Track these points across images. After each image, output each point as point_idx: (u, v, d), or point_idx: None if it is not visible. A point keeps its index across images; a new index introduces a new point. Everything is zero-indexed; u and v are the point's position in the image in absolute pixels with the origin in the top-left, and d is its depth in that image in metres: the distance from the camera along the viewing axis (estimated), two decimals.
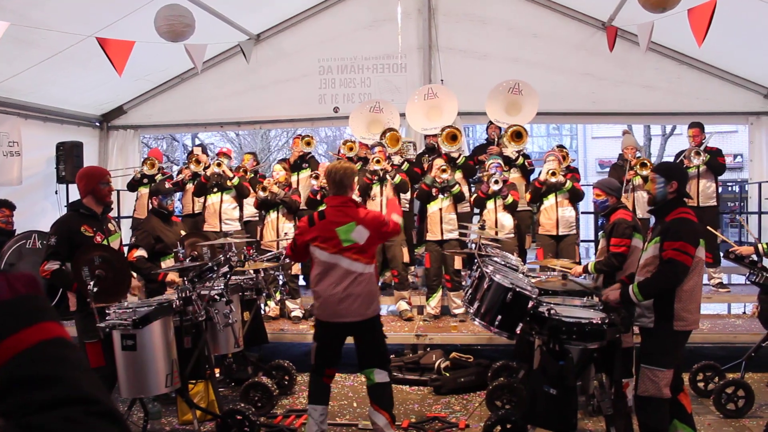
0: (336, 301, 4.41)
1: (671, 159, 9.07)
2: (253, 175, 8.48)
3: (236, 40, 9.06)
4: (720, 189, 8.28)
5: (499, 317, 4.40)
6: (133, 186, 8.98)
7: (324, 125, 12.86)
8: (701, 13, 5.79)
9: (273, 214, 7.65)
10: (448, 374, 6.36)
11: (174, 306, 4.64)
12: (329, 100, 9.73)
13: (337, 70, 9.68)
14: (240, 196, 8.07)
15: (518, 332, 4.49)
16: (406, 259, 7.60)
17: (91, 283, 4.29)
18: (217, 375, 5.84)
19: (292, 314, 7.59)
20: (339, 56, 9.64)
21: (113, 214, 6.93)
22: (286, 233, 7.47)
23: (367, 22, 9.53)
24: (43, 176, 9.09)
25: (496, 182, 7.18)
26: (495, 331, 4.48)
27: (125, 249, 6.13)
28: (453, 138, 7.62)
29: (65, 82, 8.68)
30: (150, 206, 6.50)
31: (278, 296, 7.18)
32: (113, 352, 4.34)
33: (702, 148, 7.72)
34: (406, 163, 7.93)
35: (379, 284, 6.39)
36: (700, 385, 5.94)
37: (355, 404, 5.93)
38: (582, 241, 7.85)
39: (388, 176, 7.44)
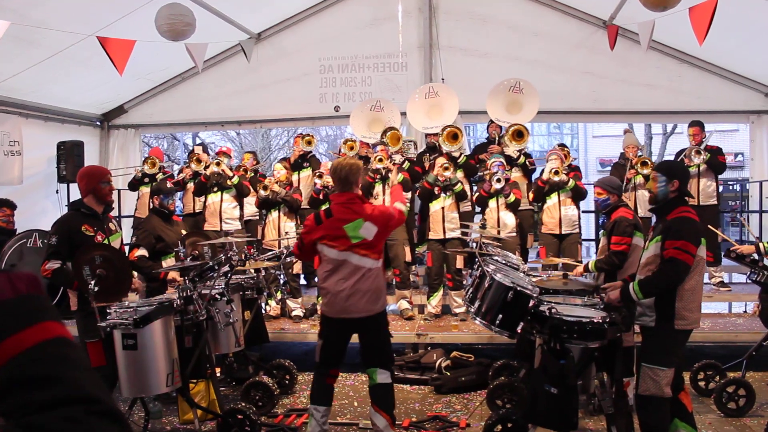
0: (344, 297, 4.40)
1: (672, 158, 9.06)
2: (253, 174, 8.48)
3: (237, 39, 9.05)
4: (721, 188, 8.28)
5: (500, 316, 4.40)
6: (134, 185, 8.98)
7: (325, 124, 12.85)
8: (702, 12, 5.78)
9: (274, 213, 7.65)
10: (448, 373, 6.36)
11: (175, 305, 4.64)
12: (330, 99, 9.72)
13: (337, 69, 9.68)
14: (240, 195, 8.07)
15: (519, 331, 4.49)
16: (408, 258, 7.60)
17: (92, 282, 4.29)
18: (218, 374, 5.84)
19: (293, 313, 7.59)
20: (340, 55, 9.63)
21: (114, 213, 6.93)
22: (287, 232, 7.47)
23: (367, 21, 9.52)
24: (44, 176, 9.09)
25: (499, 181, 7.17)
26: (496, 330, 4.48)
27: (126, 248, 6.13)
28: (454, 137, 7.61)
29: (66, 82, 8.68)
30: (151, 205, 6.50)
31: (279, 295, 7.18)
32: (114, 352, 4.34)
33: (702, 146, 7.71)
34: (407, 162, 7.92)
35: None
36: (701, 384, 5.94)
37: (355, 403, 5.93)
38: (583, 239, 7.83)
39: (390, 175, 7.44)
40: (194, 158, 8.32)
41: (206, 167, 8.03)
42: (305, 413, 5.58)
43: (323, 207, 7.02)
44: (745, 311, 8.18)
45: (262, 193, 7.61)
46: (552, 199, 7.34)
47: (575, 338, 4.05)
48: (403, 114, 8.62)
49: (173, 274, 5.71)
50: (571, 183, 7.26)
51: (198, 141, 22.92)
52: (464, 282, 7.18)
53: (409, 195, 8.03)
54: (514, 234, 7.28)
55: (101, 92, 9.57)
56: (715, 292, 7.81)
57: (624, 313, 4.16)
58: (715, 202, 7.92)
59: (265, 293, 6.25)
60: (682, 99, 9.08)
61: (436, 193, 7.27)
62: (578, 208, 7.49)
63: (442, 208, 7.26)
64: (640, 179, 7.79)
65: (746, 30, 7.79)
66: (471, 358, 6.52)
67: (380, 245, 4.57)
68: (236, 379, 6.34)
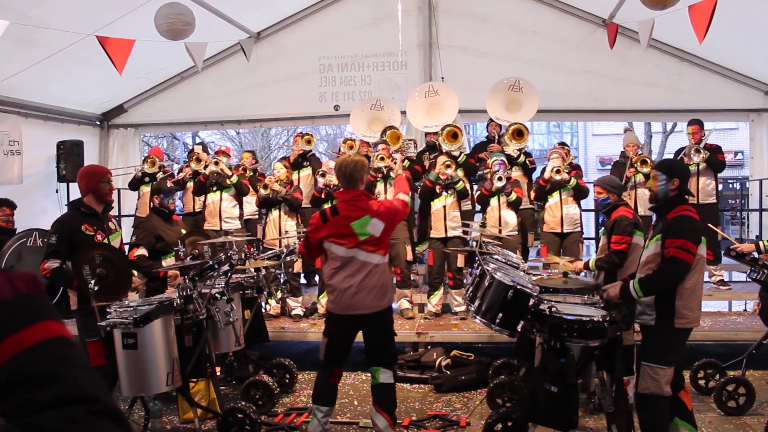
0: (351, 294, 4.39)
1: (671, 156, 9.06)
2: (252, 173, 8.47)
3: (236, 38, 9.05)
4: (721, 186, 8.28)
5: (500, 315, 4.40)
6: (134, 185, 8.98)
7: (324, 123, 12.83)
8: (702, 10, 5.78)
9: (275, 212, 7.65)
10: (449, 372, 6.36)
11: (175, 304, 4.64)
12: (330, 98, 9.72)
13: (337, 68, 9.67)
14: (239, 194, 8.08)
15: (519, 330, 4.49)
16: (410, 257, 7.59)
17: (92, 281, 4.29)
18: (218, 373, 5.84)
19: (293, 312, 7.59)
20: (339, 54, 9.62)
21: (114, 212, 6.93)
22: (287, 231, 7.47)
23: (367, 20, 9.51)
24: (43, 175, 9.09)
25: (500, 179, 7.16)
26: (496, 328, 4.48)
27: (126, 248, 6.13)
28: (454, 136, 7.61)
29: (65, 81, 8.67)
30: (151, 205, 6.50)
31: (279, 294, 7.18)
32: (114, 351, 4.34)
33: (702, 145, 7.71)
34: (406, 160, 7.92)
35: None
36: (701, 382, 5.94)
37: (356, 402, 5.93)
38: (584, 238, 7.83)
39: (392, 173, 7.43)
40: (194, 157, 8.32)
41: (205, 167, 8.03)
42: (305, 412, 5.59)
43: (325, 206, 7.04)
44: (745, 310, 8.18)
45: (263, 192, 7.61)
46: (553, 198, 7.34)
47: (575, 337, 4.05)
48: (403, 113, 8.62)
49: (174, 271, 5.71)
50: (573, 182, 7.25)
51: (198, 140, 22.91)
52: (465, 281, 7.18)
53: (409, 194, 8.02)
54: (516, 233, 7.28)
55: (101, 92, 9.57)
56: (715, 291, 7.82)
57: (624, 311, 4.16)
58: (715, 201, 7.91)
59: (265, 292, 6.25)
60: (681, 97, 9.07)
61: (438, 191, 7.26)
62: (580, 206, 7.49)
63: (444, 206, 7.25)
64: (640, 178, 7.79)
65: (746, 28, 7.79)
66: (471, 356, 6.52)
67: (387, 241, 4.57)
68: (236, 378, 6.34)
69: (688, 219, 4.04)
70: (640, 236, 5.04)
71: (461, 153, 7.82)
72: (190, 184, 8.46)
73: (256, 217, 8.61)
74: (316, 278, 8.58)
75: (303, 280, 8.55)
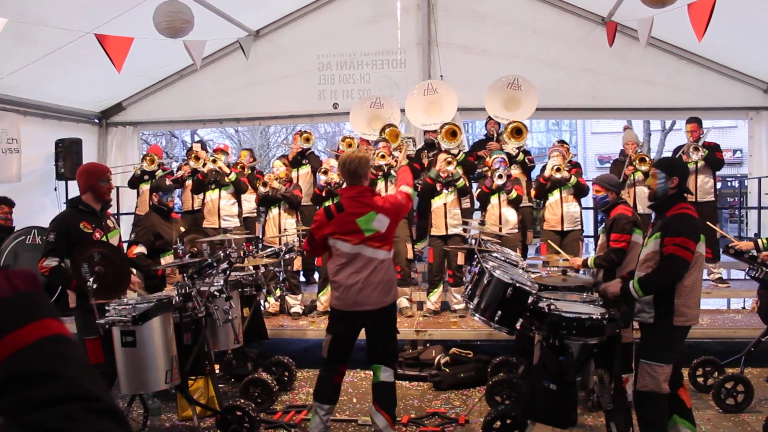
0: (357, 290, 4.38)
1: (670, 154, 9.06)
2: (250, 171, 8.46)
3: (235, 36, 9.04)
4: (719, 184, 8.28)
5: (499, 313, 4.40)
6: (133, 183, 8.96)
7: (323, 121, 12.84)
8: (701, 8, 5.78)
9: (274, 210, 7.64)
10: (447, 370, 6.36)
11: (173, 302, 4.64)
12: (328, 96, 9.71)
13: (336, 66, 9.67)
14: (238, 191, 8.07)
15: (518, 328, 4.49)
16: (410, 255, 7.58)
17: (91, 279, 4.28)
18: (217, 371, 5.84)
19: (292, 310, 7.59)
20: (338, 52, 9.62)
21: (112, 210, 6.92)
22: (285, 229, 7.46)
23: (366, 18, 9.50)
24: (42, 173, 9.08)
25: (501, 177, 7.15)
26: (495, 326, 4.48)
27: (124, 246, 6.13)
28: (453, 135, 7.60)
29: (64, 79, 8.66)
30: (151, 203, 6.49)
31: (278, 292, 7.17)
32: (113, 349, 4.34)
33: (700, 143, 7.71)
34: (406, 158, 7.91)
35: None
36: (700, 380, 5.94)
37: (354, 400, 5.94)
38: (583, 236, 7.84)
39: (392, 171, 7.43)
40: (193, 156, 8.31)
41: (204, 165, 8.03)
42: (304, 410, 5.59)
43: (326, 203, 7.04)
44: (744, 307, 8.19)
45: (262, 189, 7.60)
46: (554, 196, 7.34)
47: (574, 335, 4.04)
48: (402, 111, 8.61)
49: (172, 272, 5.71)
50: (573, 180, 7.26)
51: (197, 138, 22.90)
52: (465, 278, 7.18)
53: None
54: (516, 230, 7.27)
55: (99, 90, 9.55)
56: (714, 289, 7.82)
57: (623, 309, 4.16)
58: (713, 199, 7.91)
59: (264, 290, 6.24)
60: (680, 95, 9.08)
61: (438, 189, 7.25)
62: (580, 204, 7.49)
63: (444, 204, 7.24)
64: (639, 176, 7.79)
65: (745, 26, 7.79)
66: (470, 354, 6.53)
67: (392, 236, 4.56)
68: (235, 376, 6.34)
69: (687, 217, 4.04)
70: (639, 234, 5.04)
71: (460, 151, 7.81)
72: (189, 182, 8.45)
73: (255, 215, 8.61)
74: (316, 276, 8.58)
75: (302, 278, 8.54)
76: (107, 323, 4.25)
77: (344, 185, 4.71)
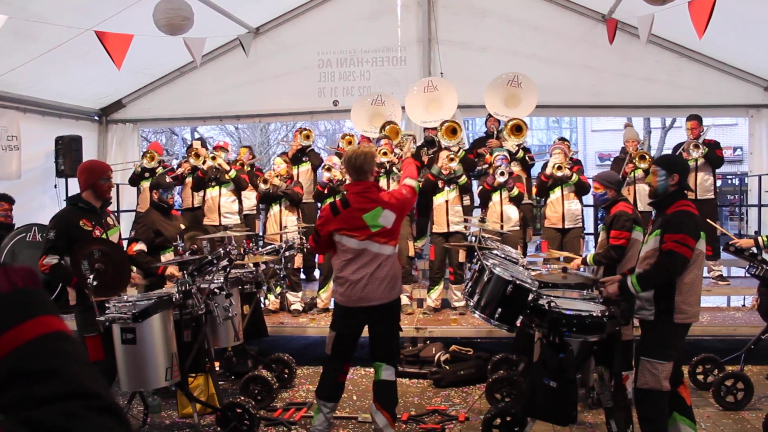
0: (362, 285, 4.37)
1: (670, 152, 9.06)
2: (249, 168, 8.46)
3: (235, 33, 9.03)
4: (720, 182, 8.28)
5: (499, 310, 4.39)
6: (134, 180, 8.96)
7: (323, 118, 12.85)
8: (702, 6, 5.76)
9: (275, 207, 7.64)
10: (447, 367, 6.37)
11: (174, 299, 4.64)
12: (329, 94, 9.70)
13: (336, 63, 9.66)
14: (238, 188, 8.07)
15: (518, 325, 4.49)
16: (411, 253, 7.58)
17: (91, 276, 4.28)
18: (217, 368, 5.85)
19: (292, 307, 7.59)
20: (338, 49, 9.61)
21: (112, 208, 6.92)
22: (285, 226, 7.46)
23: (366, 15, 9.49)
24: (41, 170, 9.08)
25: (502, 174, 7.14)
26: (495, 323, 4.48)
27: (124, 243, 6.13)
28: (453, 132, 7.60)
29: (64, 76, 8.66)
30: (151, 200, 6.49)
31: (278, 290, 7.17)
32: (113, 346, 4.34)
33: (700, 140, 7.70)
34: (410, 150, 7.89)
35: None
36: (700, 377, 5.95)
37: (354, 397, 5.94)
38: (584, 233, 7.84)
39: (395, 168, 7.42)
40: (193, 153, 8.30)
41: (204, 162, 8.02)
42: (304, 407, 5.60)
43: (328, 200, 7.04)
44: (744, 305, 8.19)
45: (263, 186, 7.60)
46: (555, 194, 7.34)
47: (574, 332, 4.05)
48: (402, 108, 8.61)
49: (172, 269, 5.71)
50: (575, 178, 7.25)
51: (197, 136, 22.89)
52: (466, 276, 7.18)
53: None
54: (517, 228, 7.27)
55: (99, 87, 9.54)
56: (714, 286, 7.82)
57: (623, 306, 4.16)
58: (712, 196, 7.90)
59: (264, 287, 6.24)
60: (681, 93, 9.07)
61: (440, 186, 7.25)
62: (581, 202, 7.49)
63: (446, 201, 7.24)
64: (639, 173, 7.79)
65: (746, 24, 7.78)
66: (470, 351, 6.53)
67: (398, 231, 4.55)
68: (235, 373, 6.35)
69: (687, 214, 4.04)
70: (640, 232, 5.04)
71: (460, 149, 7.80)
72: (189, 180, 8.44)
73: (255, 212, 8.61)
74: (316, 273, 8.58)
75: (302, 276, 8.54)
76: (107, 320, 4.25)
77: (347, 181, 4.70)
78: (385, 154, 7.33)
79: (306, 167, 8.52)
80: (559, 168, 7.17)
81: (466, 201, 7.73)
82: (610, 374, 4.28)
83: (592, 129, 29.10)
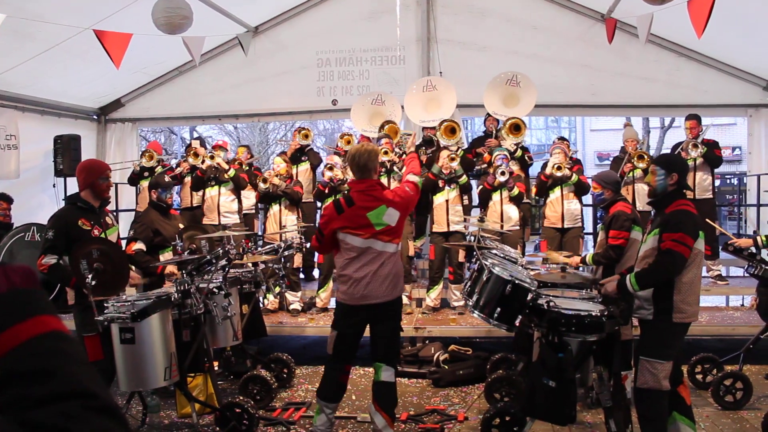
0: (365, 283, 4.35)
1: (669, 151, 9.06)
2: (248, 167, 8.45)
3: (234, 32, 9.02)
4: (718, 182, 8.29)
5: (498, 309, 4.39)
6: (133, 180, 8.94)
7: (322, 118, 12.84)
8: (701, 5, 5.76)
9: (275, 207, 7.63)
10: (446, 367, 6.37)
11: (172, 299, 4.63)
12: (328, 93, 9.69)
13: (335, 63, 9.65)
14: (237, 187, 8.06)
15: (517, 324, 4.49)
16: (411, 252, 7.58)
17: (89, 276, 4.28)
18: (216, 368, 5.84)
19: (291, 307, 7.58)
20: (337, 48, 9.60)
21: (111, 207, 6.91)
22: (284, 226, 7.45)
23: (365, 14, 9.48)
24: (40, 170, 9.06)
25: (503, 173, 7.14)
26: (494, 323, 4.48)
27: (123, 243, 6.12)
28: (452, 131, 7.59)
29: (62, 75, 8.65)
30: (149, 199, 6.48)
31: (277, 290, 7.17)
32: (112, 346, 4.33)
33: (699, 140, 7.70)
34: (404, 155, 7.89)
35: None
36: (699, 377, 5.95)
37: (353, 397, 5.93)
38: (583, 233, 7.85)
39: (395, 168, 7.42)
40: (191, 152, 8.29)
41: (203, 161, 8.02)
42: (303, 407, 5.59)
43: (329, 200, 7.04)
44: (743, 305, 8.20)
45: (262, 186, 7.59)
46: (555, 194, 7.35)
47: (573, 331, 4.05)
48: (403, 107, 8.60)
49: (171, 268, 5.71)
50: (574, 178, 7.25)
51: (195, 135, 22.87)
52: (465, 276, 7.17)
53: None
54: (517, 227, 7.27)
55: (98, 86, 9.53)
56: (713, 286, 7.82)
57: (622, 306, 4.16)
58: (711, 196, 7.90)
59: (263, 287, 6.24)
60: (680, 92, 9.07)
61: (441, 185, 7.24)
62: (581, 202, 7.50)
63: (447, 201, 7.23)
64: (638, 173, 7.78)
65: (745, 23, 7.78)
66: (469, 351, 6.53)
67: (402, 229, 4.55)
68: (234, 373, 6.34)
69: (686, 213, 4.04)
70: (638, 231, 5.04)
71: (458, 148, 7.80)
72: (188, 179, 8.43)
73: (253, 211, 8.60)
74: (315, 273, 8.57)
75: (301, 275, 8.53)
76: (106, 320, 4.24)
77: (349, 180, 4.69)
78: (385, 153, 7.32)
79: (305, 167, 8.52)
80: (559, 168, 7.17)
81: (466, 200, 7.73)
82: (609, 374, 4.28)
83: (590, 128, 29.11)
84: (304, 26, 9.70)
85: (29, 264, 1.19)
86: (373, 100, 8.59)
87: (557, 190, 7.32)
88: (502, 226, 6.92)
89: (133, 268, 5.52)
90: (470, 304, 4.64)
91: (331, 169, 7.49)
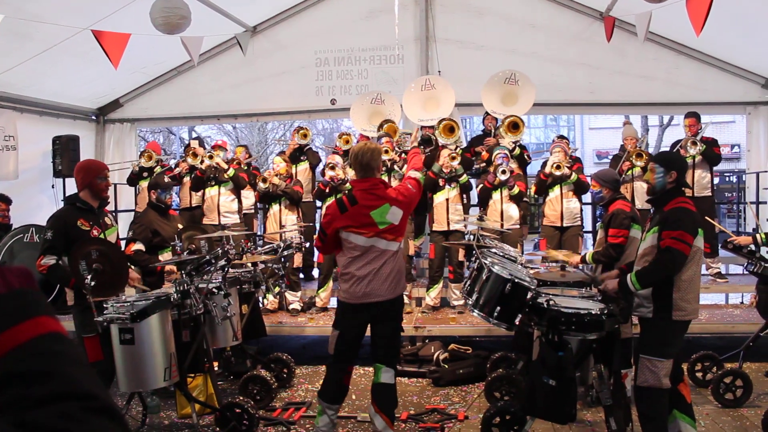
0: (368, 282, 4.34)
1: (668, 149, 9.06)
2: (246, 167, 8.45)
3: (233, 32, 9.02)
4: (717, 179, 8.29)
5: (498, 308, 4.39)
6: (132, 180, 8.93)
7: (321, 117, 12.84)
8: (699, 3, 5.76)
9: (275, 207, 7.63)
10: (446, 366, 6.37)
11: (172, 299, 4.62)
12: (326, 92, 9.68)
13: (334, 62, 9.64)
14: (237, 187, 8.05)
15: (517, 323, 4.48)
16: (411, 251, 7.57)
17: (89, 277, 4.27)
18: (216, 368, 5.84)
19: (291, 307, 7.58)
20: (336, 48, 9.59)
21: (110, 207, 6.90)
22: (283, 225, 7.45)
23: (363, 14, 9.48)
24: (39, 170, 9.05)
25: (504, 172, 7.14)
26: (494, 322, 4.47)
27: (122, 243, 6.12)
28: (450, 130, 7.59)
29: (61, 76, 8.64)
30: (148, 200, 6.48)
31: (277, 290, 7.16)
32: (111, 346, 4.33)
33: (698, 138, 7.71)
34: (404, 154, 7.90)
35: None
36: (699, 375, 5.96)
37: (353, 396, 5.93)
38: (583, 232, 7.85)
39: (396, 167, 7.41)
40: (190, 152, 8.29)
41: (202, 161, 8.01)
42: (303, 407, 5.59)
43: (329, 199, 7.03)
44: (742, 302, 8.20)
45: (262, 185, 7.59)
46: (554, 192, 7.35)
47: (573, 330, 4.05)
48: (402, 106, 8.60)
49: (171, 266, 5.70)
50: (574, 176, 7.25)
51: (194, 135, 22.84)
52: (465, 275, 7.17)
53: None
54: (517, 226, 7.27)
55: (96, 86, 9.53)
56: (713, 283, 7.83)
57: (622, 304, 4.16)
58: (710, 194, 7.91)
59: (262, 287, 6.23)
60: (679, 90, 9.07)
61: (441, 184, 7.24)
62: (580, 200, 7.50)
63: (447, 199, 7.23)
64: (638, 171, 7.78)
65: (743, 21, 7.77)
66: (469, 350, 6.53)
67: (405, 227, 4.54)
68: (234, 373, 6.34)
69: (685, 211, 4.04)
70: (638, 230, 5.04)
71: (457, 147, 7.79)
72: (187, 179, 8.42)
73: (253, 211, 8.59)
74: (315, 273, 8.56)
75: (301, 275, 8.53)
76: (105, 321, 4.24)
77: (349, 179, 4.68)
78: (386, 152, 7.32)
79: (304, 166, 8.52)
80: (558, 167, 7.17)
81: (465, 199, 7.73)
82: (609, 372, 4.28)
83: (589, 127, 29.08)
84: (303, 26, 9.69)
85: (29, 265, 1.19)
86: (373, 99, 8.58)
87: (556, 189, 7.33)
88: (502, 225, 6.92)
89: (132, 267, 5.51)
90: (470, 303, 4.64)
91: (332, 168, 7.47)
